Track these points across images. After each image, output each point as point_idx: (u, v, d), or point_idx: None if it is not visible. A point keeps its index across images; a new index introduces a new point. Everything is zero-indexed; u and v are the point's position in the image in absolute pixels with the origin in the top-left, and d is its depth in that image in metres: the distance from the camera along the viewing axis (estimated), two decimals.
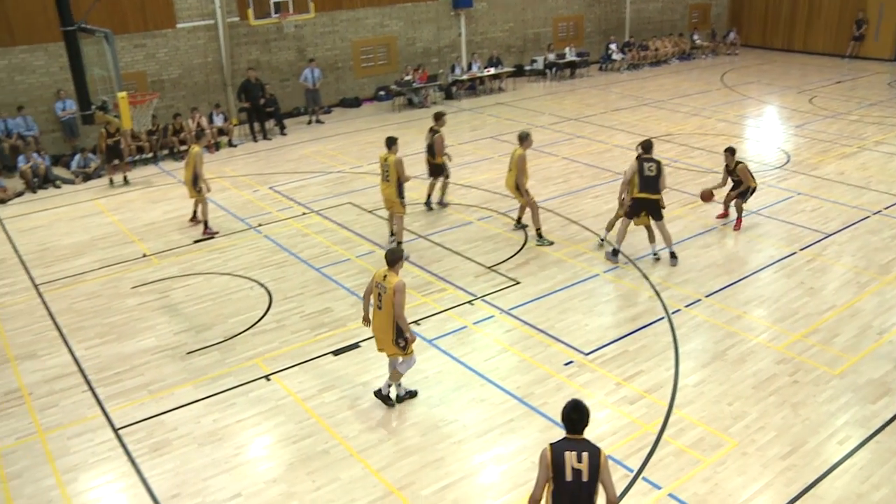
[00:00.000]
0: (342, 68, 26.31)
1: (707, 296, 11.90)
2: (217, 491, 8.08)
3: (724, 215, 14.75)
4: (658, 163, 12.67)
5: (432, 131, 15.53)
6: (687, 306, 11.60)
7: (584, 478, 5.84)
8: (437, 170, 15.71)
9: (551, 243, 13.95)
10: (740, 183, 14.06)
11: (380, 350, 9.38)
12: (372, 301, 9.18)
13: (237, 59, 23.84)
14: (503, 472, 8.24)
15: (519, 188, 13.80)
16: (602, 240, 13.81)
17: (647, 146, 12.90)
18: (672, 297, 11.88)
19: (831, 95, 25.59)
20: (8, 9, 19.78)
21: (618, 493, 7.62)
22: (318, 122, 24.53)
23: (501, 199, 16.33)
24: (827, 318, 11.11)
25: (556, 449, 5.93)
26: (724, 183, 14.35)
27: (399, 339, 8.97)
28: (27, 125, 20.19)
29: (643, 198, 12.64)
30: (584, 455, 5.86)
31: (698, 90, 27.15)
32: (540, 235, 13.98)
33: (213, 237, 14.97)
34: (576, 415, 5.99)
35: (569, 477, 5.86)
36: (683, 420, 8.96)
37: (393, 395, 9.51)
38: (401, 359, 9.22)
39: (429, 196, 16.04)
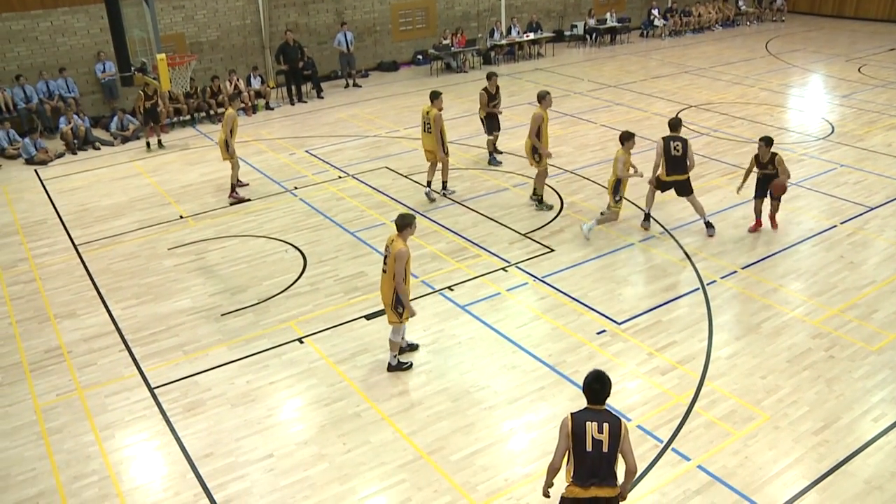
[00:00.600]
0: (380, 32, 26.17)
1: (743, 267, 11.75)
2: (249, 451, 8.21)
3: (758, 226, 12.96)
4: (684, 141, 12.43)
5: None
6: (722, 278, 11.46)
7: (605, 448, 5.87)
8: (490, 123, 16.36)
9: (550, 207, 14.06)
10: (769, 179, 12.33)
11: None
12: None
13: (275, 21, 23.81)
14: (532, 439, 8.27)
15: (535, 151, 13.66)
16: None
17: (673, 124, 12.61)
18: (708, 267, 11.75)
19: (882, 63, 24.95)
20: None
21: (647, 463, 7.67)
22: (355, 85, 24.48)
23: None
24: (866, 294, 10.92)
25: (578, 419, 5.95)
26: (745, 179, 12.76)
27: (398, 307, 8.96)
28: (68, 87, 20.42)
29: (671, 180, 12.53)
30: (606, 426, 5.88)
31: (741, 58, 26.60)
32: (540, 199, 14.21)
33: (241, 202, 14.99)
34: (598, 385, 5.99)
35: (589, 447, 5.88)
36: (715, 392, 8.90)
37: (394, 363, 9.50)
38: (393, 326, 9.20)
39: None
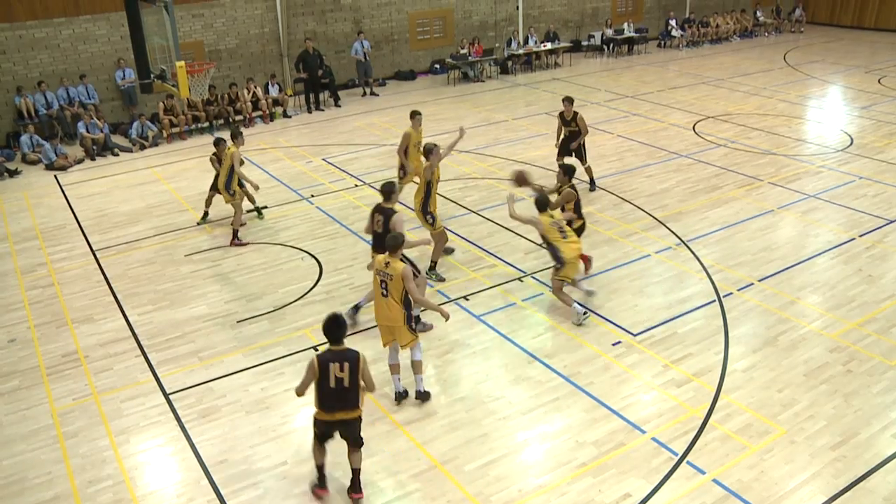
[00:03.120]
0: (398, 41, 26.27)
1: (760, 280, 11.68)
2: (263, 458, 8.22)
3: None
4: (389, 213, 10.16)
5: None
6: (739, 290, 11.40)
7: (346, 384, 7.06)
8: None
9: (442, 279, 11.95)
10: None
11: (385, 344, 8.97)
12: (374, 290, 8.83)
13: (293, 29, 23.95)
14: (547, 450, 8.24)
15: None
16: None
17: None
18: (724, 279, 11.69)
19: None
20: None
21: (661, 476, 7.65)
22: (372, 94, 24.57)
23: (554, 175, 16.16)
24: (885, 308, 10.83)
25: (322, 360, 7.06)
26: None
27: (410, 323, 8.75)
28: (88, 93, 20.61)
29: None
30: (346, 365, 7.02)
31: (760, 69, 26.52)
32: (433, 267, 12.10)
33: (243, 245, 13.49)
34: (335, 327, 7.10)
35: (332, 384, 7.03)
36: (731, 405, 8.84)
37: (421, 387, 9.08)
38: (412, 345, 8.84)
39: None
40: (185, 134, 20.09)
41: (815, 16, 34.81)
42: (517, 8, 28.46)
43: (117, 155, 19.24)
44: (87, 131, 19.04)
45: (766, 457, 8.01)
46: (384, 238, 9.06)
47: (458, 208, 14.65)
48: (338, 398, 7.09)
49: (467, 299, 11.34)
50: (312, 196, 15.62)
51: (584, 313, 10.56)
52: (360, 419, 7.32)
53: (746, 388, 9.13)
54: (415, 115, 13.59)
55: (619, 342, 10.14)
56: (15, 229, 14.71)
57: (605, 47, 29.81)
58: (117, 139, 20.10)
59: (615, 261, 12.41)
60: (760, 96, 22.63)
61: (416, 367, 9.02)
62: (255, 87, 21.71)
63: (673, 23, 30.90)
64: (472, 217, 14.30)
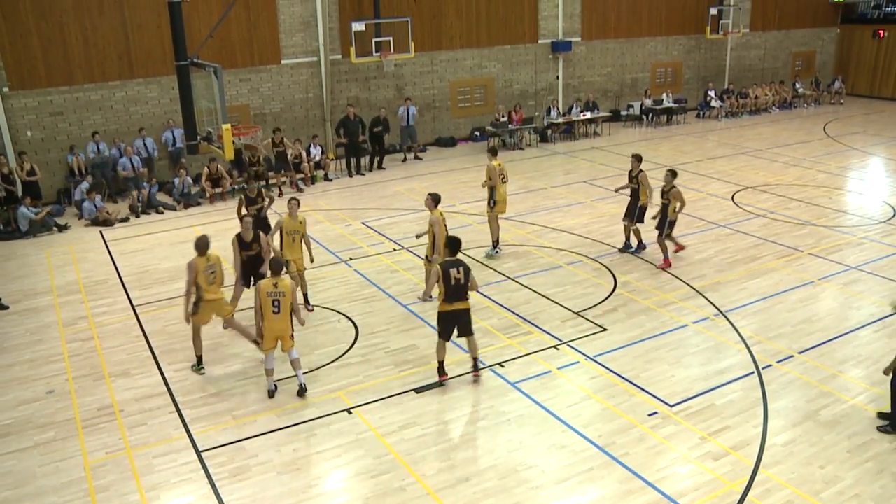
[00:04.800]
0: (439, 108, 26.72)
1: (800, 352, 11.49)
2: None
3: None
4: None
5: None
6: (779, 362, 11.21)
7: (462, 282, 10.34)
8: None
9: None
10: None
11: (267, 351, 10.50)
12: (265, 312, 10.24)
13: (337, 95, 24.50)
14: None
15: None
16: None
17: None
18: (763, 351, 11.51)
19: None
20: (131, 45, 21.07)
21: None
22: (416, 158, 24.90)
23: (592, 244, 16.21)
24: None
25: (445, 267, 10.32)
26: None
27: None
28: (147, 148, 21.12)
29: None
30: (461, 269, 10.34)
31: (799, 140, 26.48)
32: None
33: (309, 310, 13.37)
34: (457, 243, 10.55)
35: (453, 282, 10.29)
36: (770, 480, 8.62)
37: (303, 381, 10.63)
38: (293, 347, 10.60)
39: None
40: (226, 195, 20.47)
41: (854, 88, 34.80)
42: (557, 78, 28.87)
43: (162, 213, 19.67)
44: (137, 188, 19.60)
45: None
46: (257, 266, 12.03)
47: (496, 274, 14.68)
48: (455, 293, 10.29)
49: (502, 366, 11.28)
50: (351, 259, 15.76)
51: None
52: (469, 310, 10.58)
53: (787, 464, 8.91)
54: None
55: (656, 413, 9.99)
56: (60, 282, 15.03)
57: (643, 117, 30.02)
58: (162, 197, 20.56)
59: (652, 330, 12.30)
60: (800, 167, 22.55)
61: (296, 363, 10.61)
62: (301, 148, 22.03)
63: (712, 93, 31.08)
64: (510, 284, 14.31)
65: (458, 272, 10.25)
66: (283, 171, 21.41)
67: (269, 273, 10.43)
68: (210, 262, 10.93)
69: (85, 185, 19.35)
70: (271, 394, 10.65)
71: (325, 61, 23.74)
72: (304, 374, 10.70)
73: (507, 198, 15.67)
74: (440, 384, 10.73)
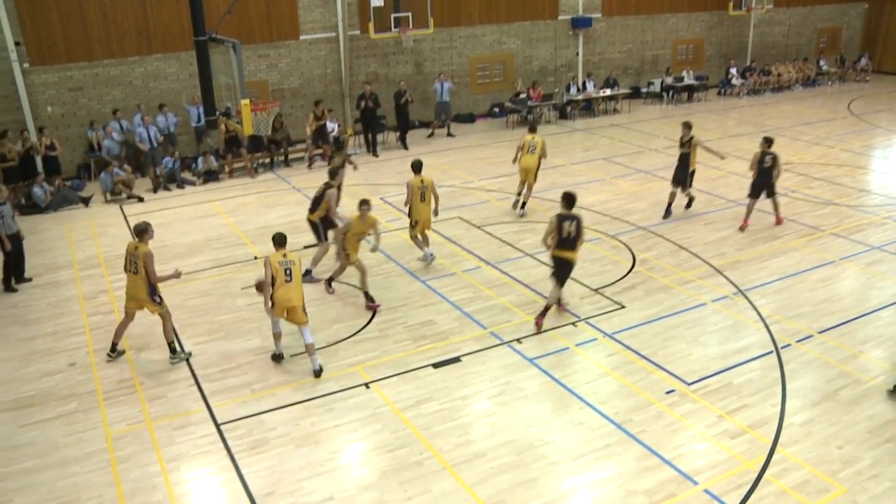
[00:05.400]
0: (458, 84, 26.58)
1: (820, 332, 11.41)
2: (310, 493, 8.24)
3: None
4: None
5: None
6: (798, 342, 11.15)
7: (573, 236, 11.25)
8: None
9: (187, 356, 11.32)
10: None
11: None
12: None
13: (356, 70, 24.44)
14: (595, 497, 8.11)
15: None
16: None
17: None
18: (782, 330, 11.45)
19: None
20: (150, 20, 21.10)
21: None
22: (449, 135, 24.78)
23: (611, 221, 16.15)
24: None
25: (559, 219, 11.18)
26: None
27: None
28: (168, 123, 20.98)
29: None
30: (574, 223, 11.22)
31: (822, 118, 26.16)
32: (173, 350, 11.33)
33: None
34: (572, 199, 11.32)
35: (565, 235, 11.20)
36: (787, 460, 8.60)
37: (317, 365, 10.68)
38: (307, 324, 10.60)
39: None
40: (251, 171, 20.55)
41: (881, 64, 34.27)
42: (577, 54, 28.64)
43: (183, 188, 19.76)
44: (155, 163, 19.71)
45: None
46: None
47: (514, 251, 14.66)
48: (567, 244, 11.24)
49: (520, 342, 11.29)
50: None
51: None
52: (574, 261, 11.54)
53: (804, 443, 8.88)
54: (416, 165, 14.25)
55: (673, 391, 9.98)
56: (80, 257, 15.16)
57: (664, 94, 29.74)
58: (183, 174, 20.62)
59: (670, 308, 12.26)
60: (823, 146, 22.29)
61: (311, 349, 10.54)
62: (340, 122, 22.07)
63: (733, 71, 30.72)
64: (529, 260, 14.29)
65: (571, 225, 11.19)
66: (318, 144, 21.60)
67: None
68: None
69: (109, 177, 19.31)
70: (277, 358, 10.89)
71: (344, 37, 23.66)
72: (321, 348, 10.74)
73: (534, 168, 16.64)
74: (457, 360, 10.79)
